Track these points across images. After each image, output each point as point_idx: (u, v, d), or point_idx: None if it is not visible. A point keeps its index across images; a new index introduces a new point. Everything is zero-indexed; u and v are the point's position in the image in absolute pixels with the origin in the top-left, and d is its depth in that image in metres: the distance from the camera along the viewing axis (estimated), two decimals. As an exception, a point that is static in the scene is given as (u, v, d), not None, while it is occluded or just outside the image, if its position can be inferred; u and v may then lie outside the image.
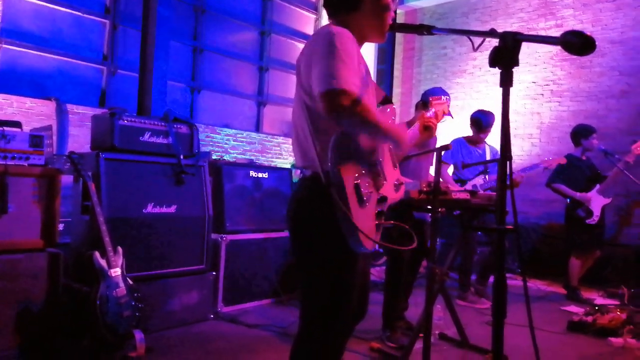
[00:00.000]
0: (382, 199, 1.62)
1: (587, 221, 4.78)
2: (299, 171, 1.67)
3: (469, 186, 4.47)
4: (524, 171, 4.50)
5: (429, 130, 1.94)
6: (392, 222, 1.63)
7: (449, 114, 3.45)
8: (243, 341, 3.17)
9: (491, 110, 4.68)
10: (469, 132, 4.77)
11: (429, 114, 1.97)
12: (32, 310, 2.63)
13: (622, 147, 6.00)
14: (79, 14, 5.27)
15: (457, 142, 4.66)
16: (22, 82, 4.84)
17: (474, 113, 4.71)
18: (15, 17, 4.80)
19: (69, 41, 5.22)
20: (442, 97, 2.39)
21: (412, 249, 3.34)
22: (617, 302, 4.58)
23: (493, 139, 4.57)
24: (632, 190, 5.98)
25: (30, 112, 4.59)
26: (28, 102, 4.60)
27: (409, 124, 3.19)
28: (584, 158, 4.99)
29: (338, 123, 1.47)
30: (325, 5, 1.76)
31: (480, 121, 4.61)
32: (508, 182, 1.32)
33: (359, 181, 1.52)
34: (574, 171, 4.92)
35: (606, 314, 3.74)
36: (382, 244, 1.58)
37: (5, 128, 2.66)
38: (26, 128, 3.00)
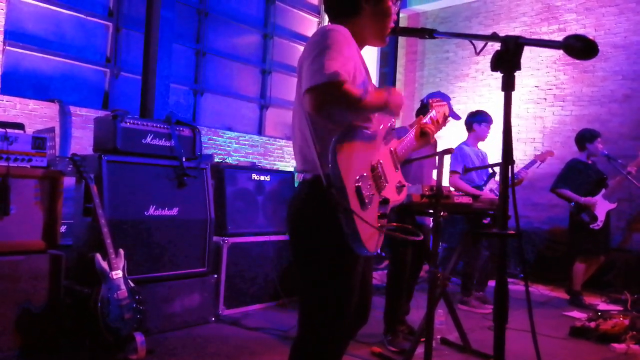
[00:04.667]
0: (384, 201, 1.62)
1: (591, 226, 4.74)
2: (302, 175, 1.66)
3: (486, 191, 4.41)
4: (525, 169, 4.54)
5: (425, 136, 1.92)
6: (394, 224, 1.61)
7: (455, 115, 3.45)
8: (244, 344, 3.16)
9: (488, 112, 4.67)
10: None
11: (426, 119, 1.95)
12: (33, 311, 2.63)
13: (625, 152, 5.98)
14: (83, 16, 5.29)
15: (460, 148, 4.59)
16: (25, 84, 4.86)
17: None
18: (18, 19, 4.82)
19: (72, 43, 5.23)
20: (442, 100, 2.38)
21: (414, 253, 3.36)
22: (620, 308, 4.56)
23: (495, 143, 4.56)
24: (636, 195, 5.96)
25: (34, 114, 4.61)
26: (31, 104, 4.61)
27: (410, 127, 3.19)
28: (589, 162, 4.96)
29: (324, 114, 1.47)
30: (326, 11, 1.77)
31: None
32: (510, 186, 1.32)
33: (360, 183, 1.51)
34: (579, 176, 4.86)
35: (609, 319, 3.72)
36: (390, 232, 1.56)
37: (8, 130, 2.67)
38: (29, 130, 3.01)
